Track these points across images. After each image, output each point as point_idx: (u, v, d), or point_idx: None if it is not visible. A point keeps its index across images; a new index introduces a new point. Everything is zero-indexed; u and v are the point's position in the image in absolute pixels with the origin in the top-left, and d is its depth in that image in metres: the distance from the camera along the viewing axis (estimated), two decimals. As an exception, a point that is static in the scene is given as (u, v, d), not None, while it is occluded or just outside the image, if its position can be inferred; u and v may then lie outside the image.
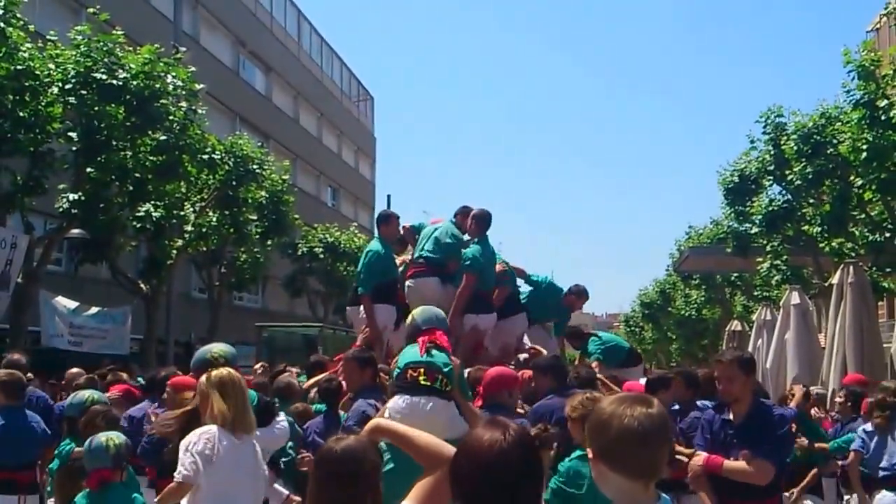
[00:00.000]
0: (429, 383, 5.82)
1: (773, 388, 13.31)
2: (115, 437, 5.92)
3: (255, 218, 26.94)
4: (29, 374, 10.05)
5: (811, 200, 23.82)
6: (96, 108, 18.61)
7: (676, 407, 7.79)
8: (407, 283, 9.79)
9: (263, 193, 26.84)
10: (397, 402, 5.84)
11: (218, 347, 6.84)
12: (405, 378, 5.91)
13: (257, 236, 27.69)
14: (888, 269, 21.80)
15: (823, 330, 15.12)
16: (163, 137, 19.96)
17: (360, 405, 6.50)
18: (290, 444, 7.44)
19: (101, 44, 18.85)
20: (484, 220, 10.09)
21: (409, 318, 6.53)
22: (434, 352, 5.97)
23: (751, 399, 5.82)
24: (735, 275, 37.83)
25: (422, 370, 5.86)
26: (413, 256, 10.17)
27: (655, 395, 8.92)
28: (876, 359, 13.09)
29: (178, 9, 33.25)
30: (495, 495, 2.50)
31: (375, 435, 3.17)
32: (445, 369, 5.90)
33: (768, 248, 25.64)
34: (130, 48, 19.83)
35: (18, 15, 17.02)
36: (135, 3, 30.40)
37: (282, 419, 7.17)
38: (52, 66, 18.00)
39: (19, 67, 16.64)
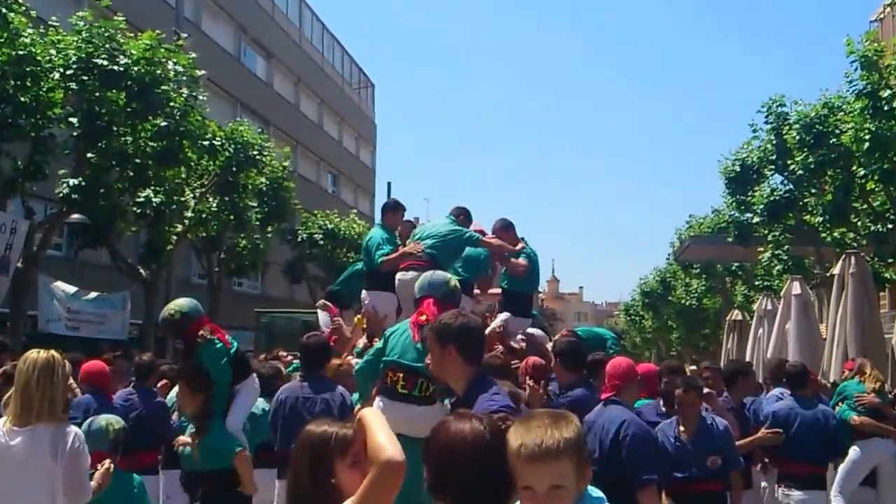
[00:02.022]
0: (406, 391, 5.74)
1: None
2: (114, 422, 5.92)
3: (255, 204, 26.98)
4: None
5: (813, 190, 23.79)
6: (97, 94, 18.62)
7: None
8: (398, 275, 8.94)
9: (263, 180, 26.84)
10: (377, 401, 5.83)
11: (174, 303, 6.82)
12: (385, 380, 5.85)
13: (257, 222, 27.76)
14: (890, 260, 21.76)
15: (824, 320, 15.08)
16: (163, 123, 19.94)
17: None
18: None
19: (103, 29, 18.82)
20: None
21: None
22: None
23: None
24: (736, 264, 37.81)
25: (401, 375, 5.78)
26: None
27: (734, 384, 9.10)
28: (877, 349, 13.05)
29: (179, -6, 33.17)
30: (488, 483, 2.59)
31: (354, 424, 3.12)
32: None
33: (769, 238, 25.59)
34: (132, 34, 19.81)
35: (20, 0, 17.03)
36: (136, -12, 30.35)
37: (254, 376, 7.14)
38: (53, 51, 17.98)
39: (21, 53, 16.64)
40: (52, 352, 5.24)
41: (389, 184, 54.43)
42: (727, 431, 7.16)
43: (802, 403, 8.43)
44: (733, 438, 7.38)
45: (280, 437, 7.53)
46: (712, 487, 6.99)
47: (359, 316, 9.22)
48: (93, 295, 22.31)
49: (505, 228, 9.88)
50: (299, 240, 37.09)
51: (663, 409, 7.71)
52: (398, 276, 8.60)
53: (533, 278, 9.92)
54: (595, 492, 2.68)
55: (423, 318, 5.86)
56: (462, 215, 9.59)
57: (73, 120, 18.68)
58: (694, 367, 13.35)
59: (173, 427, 8.37)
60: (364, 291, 9.44)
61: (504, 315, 9.26)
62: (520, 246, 9.72)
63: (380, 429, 2.63)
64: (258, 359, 11.00)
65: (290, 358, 11.34)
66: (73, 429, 5.15)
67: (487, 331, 7.51)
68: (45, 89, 17.36)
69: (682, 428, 7.04)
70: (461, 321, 4.55)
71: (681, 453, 6.93)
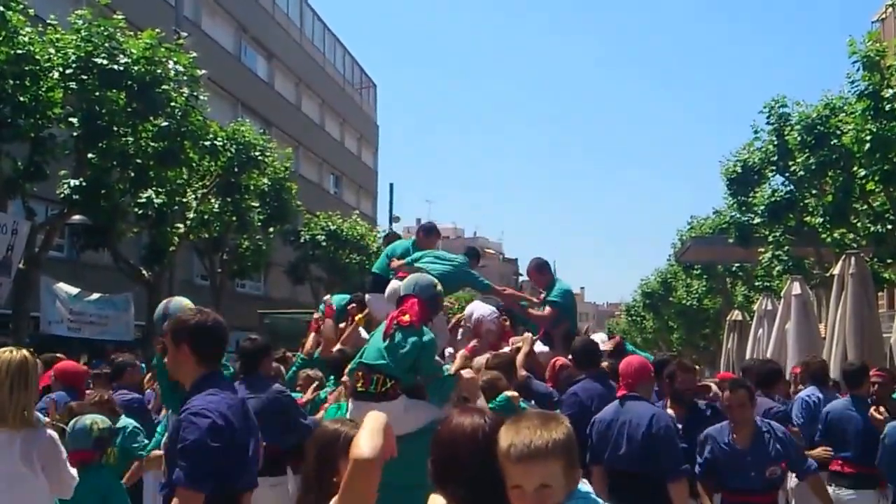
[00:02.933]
0: (363, 389, 5.81)
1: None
2: (99, 422, 6.00)
3: (257, 205, 26.94)
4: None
5: (814, 191, 23.84)
6: (97, 94, 18.57)
7: None
8: (392, 282, 8.77)
9: (265, 181, 26.84)
10: (349, 403, 6.06)
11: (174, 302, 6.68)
12: (352, 383, 6.01)
13: (259, 223, 27.70)
14: (889, 260, 21.80)
15: (824, 320, 15.11)
16: (164, 123, 19.93)
17: None
18: None
19: (102, 28, 18.74)
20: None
21: None
22: (397, 335, 5.87)
23: None
24: (736, 265, 37.89)
25: (359, 374, 5.86)
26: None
27: (775, 384, 9.01)
28: (876, 349, 13.09)
29: (179, -7, 33.18)
30: (487, 475, 2.65)
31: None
32: (389, 357, 5.80)
33: (770, 239, 25.66)
34: (131, 33, 19.76)
35: (18, -1, 16.98)
36: (137, -12, 30.36)
37: None
38: (52, 50, 17.92)
39: (19, 52, 16.59)
40: (25, 352, 5.12)
41: (392, 185, 54.47)
42: (787, 436, 6.74)
43: (857, 403, 8.17)
44: (795, 442, 7.05)
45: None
46: (769, 499, 6.64)
47: (360, 315, 9.25)
48: (95, 296, 22.30)
49: (539, 269, 9.82)
50: (302, 241, 37.12)
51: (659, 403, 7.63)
52: (392, 282, 8.53)
53: (564, 319, 9.45)
54: (584, 486, 2.69)
55: (406, 317, 5.94)
56: (475, 258, 9.57)
57: (73, 120, 18.63)
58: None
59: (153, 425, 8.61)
60: (368, 295, 9.51)
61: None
62: (540, 297, 9.57)
63: (364, 428, 2.67)
64: None
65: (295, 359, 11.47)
66: (46, 433, 5.07)
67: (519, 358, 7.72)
68: (44, 89, 17.29)
69: (735, 435, 6.55)
70: (197, 319, 4.43)
71: (736, 461, 6.50)
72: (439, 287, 6.37)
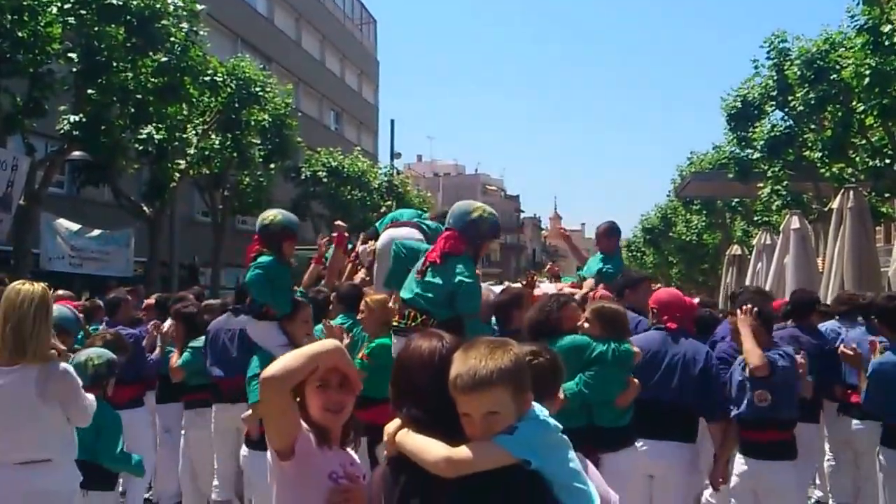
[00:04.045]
0: (397, 323, 5.93)
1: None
2: (95, 357, 6.03)
3: (258, 141, 26.88)
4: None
5: (813, 126, 23.86)
6: (96, 29, 18.53)
7: None
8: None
9: (266, 117, 26.75)
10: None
11: (271, 212, 7.01)
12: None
13: (260, 160, 27.67)
14: (887, 195, 21.89)
15: (822, 254, 15.21)
16: (164, 59, 19.90)
17: None
18: None
19: (99, -39, 18.59)
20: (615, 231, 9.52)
21: None
22: (429, 272, 5.85)
23: None
24: (736, 200, 37.88)
25: (395, 310, 5.99)
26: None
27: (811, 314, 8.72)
28: (873, 282, 13.17)
29: (177, -73, 32.79)
30: (443, 399, 2.69)
31: None
32: (421, 291, 5.81)
33: (769, 174, 25.69)
34: (128, -34, 19.58)
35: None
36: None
37: None
38: (50, -16, 17.80)
39: (17, -14, 16.48)
40: (43, 285, 5.16)
41: (393, 121, 54.44)
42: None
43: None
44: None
45: (214, 366, 7.77)
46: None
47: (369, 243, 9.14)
48: (96, 232, 22.40)
49: (608, 234, 9.41)
50: (303, 178, 37.09)
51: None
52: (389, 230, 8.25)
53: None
54: (541, 411, 2.78)
55: (435, 253, 5.88)
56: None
57: (73, 55, 18.59)
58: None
59: (149, 362, 8.84)
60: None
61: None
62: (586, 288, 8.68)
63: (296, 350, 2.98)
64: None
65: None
66: (60, 365, 5.13)
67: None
68: (42, 24, 17.15)
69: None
70: None
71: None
72: (476, 213, 6.01)
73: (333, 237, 9.26)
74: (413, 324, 5.68)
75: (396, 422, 2.77)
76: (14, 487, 4.92)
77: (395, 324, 5.92)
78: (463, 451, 2.59)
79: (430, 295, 5.76)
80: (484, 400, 2.62)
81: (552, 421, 2.76)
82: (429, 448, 2.63)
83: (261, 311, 6.68)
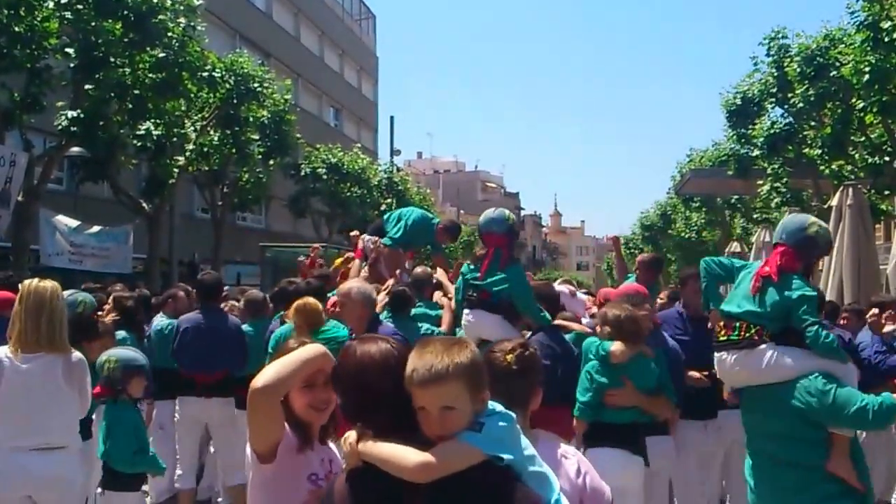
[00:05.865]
0: (726, 337, 5.56)
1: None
2: (112, 360, 6.08)
3: (257, 137, 26.85)
4: None
5: (812, 123, 23.82)
6: (93, 24, 18.46)
7: None
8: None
9: (265, 113, 26.72)
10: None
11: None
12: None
13: (259, 156, 27.64)
14: (887, 192, 21.82)
15: (821, 251, 15.16)
16: (161, 54, 19.84)
17: None
18: None
19: (96, -43, 18.51)
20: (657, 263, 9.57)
21: None
22: (764, 288, 5.52)
23: None
24: (735, 197, 37.87)
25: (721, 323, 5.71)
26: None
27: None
28: (872, 280, 13.17)
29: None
30: (401, 402, 2.67)
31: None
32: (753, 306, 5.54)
33: (769, 171, 25.66)
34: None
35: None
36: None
37: None
38: (47, -21, 17.73)
39: (14, -19, 16.42)
40: (54, 282, 5.56)
41: (392, 118, 54.23)
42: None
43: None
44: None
45: (185, 361, 8.32)
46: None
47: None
48: (95, 229, 22.32)
49: (649, 265, 9.31)
50: (302, 174, 37.06)
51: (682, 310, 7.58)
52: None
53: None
54: (497, 406, 2.76)
55: (766, 269, 5.56)
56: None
57: (70, 50, 18.50)
58: None
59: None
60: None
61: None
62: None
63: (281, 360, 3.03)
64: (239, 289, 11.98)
65: None
66: (76, 355, 5.53)
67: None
68: (39, 19, 17.15)
69: None
70: None
71: None
72: (812, 228, 5.58)
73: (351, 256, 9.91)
74: (746, 335, 5.39)
75: (353, 434, 2.72)
76: (29, 473, 5.26)
77: (722, 338, 5.54)
78: (436, 454, 2.56)
79: (765, 310, 5.42)
80: (440, 392, 2.60)
81: (508, 412, 2.76)
82: (400, 455, 2.59)
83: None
